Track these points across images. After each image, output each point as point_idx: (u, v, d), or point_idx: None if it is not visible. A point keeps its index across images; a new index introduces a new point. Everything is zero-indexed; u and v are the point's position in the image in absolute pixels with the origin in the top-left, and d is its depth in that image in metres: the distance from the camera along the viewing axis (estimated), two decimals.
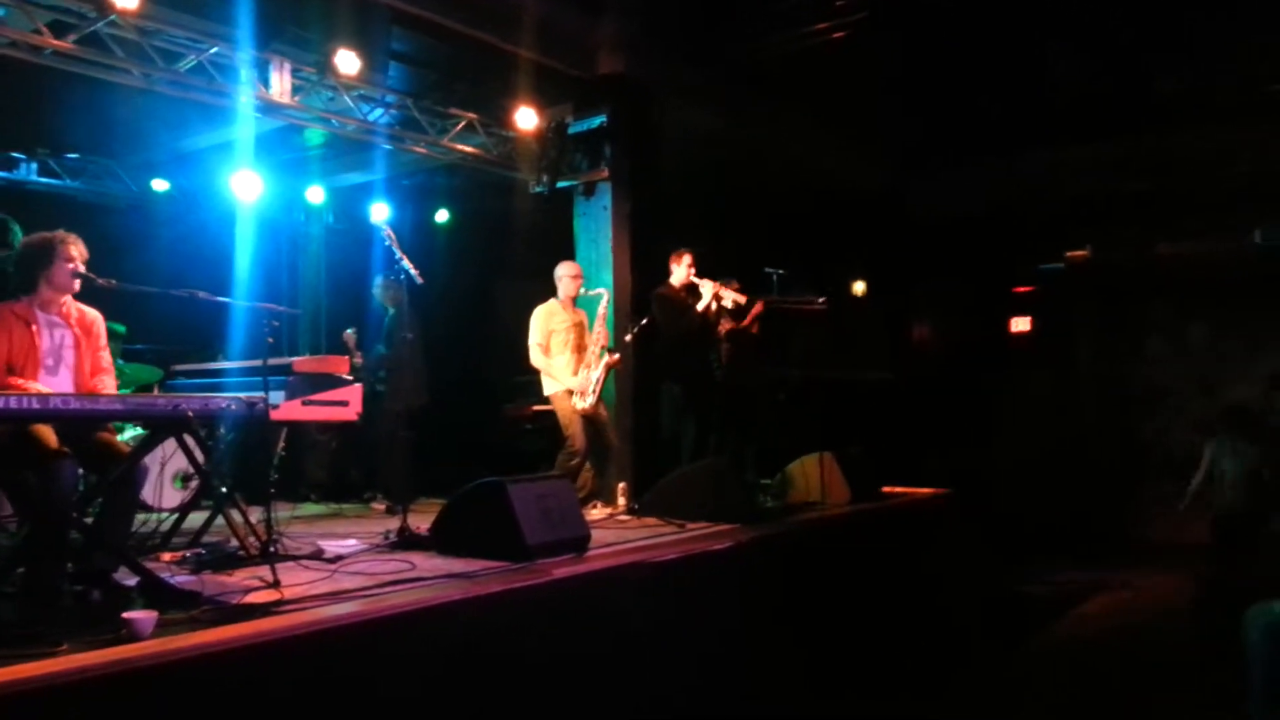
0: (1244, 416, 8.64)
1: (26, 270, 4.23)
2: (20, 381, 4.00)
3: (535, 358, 6.84)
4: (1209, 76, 8.95)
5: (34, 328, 4.16)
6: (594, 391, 6.75)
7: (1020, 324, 12.65)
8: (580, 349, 6.88)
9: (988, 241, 11.79)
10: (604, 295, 7.04)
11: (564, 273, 7.00)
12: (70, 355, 4.28)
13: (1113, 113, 9.63)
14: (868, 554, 6.62)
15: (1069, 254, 11.88)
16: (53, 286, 4.24)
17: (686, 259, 7.26)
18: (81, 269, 4.26)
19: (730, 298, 7.22)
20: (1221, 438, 8.42)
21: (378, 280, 7.55)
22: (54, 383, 4.16)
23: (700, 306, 7.15)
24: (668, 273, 7.33)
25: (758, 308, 7.64)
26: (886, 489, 7.74)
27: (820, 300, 7.84)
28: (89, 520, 4.13)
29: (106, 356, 4.49)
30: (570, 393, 6.71)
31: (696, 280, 7.19)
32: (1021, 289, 12.65)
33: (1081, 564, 9.67)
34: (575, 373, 6.76)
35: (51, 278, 4.22)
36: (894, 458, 8.23)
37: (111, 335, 4.68)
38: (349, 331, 7.73)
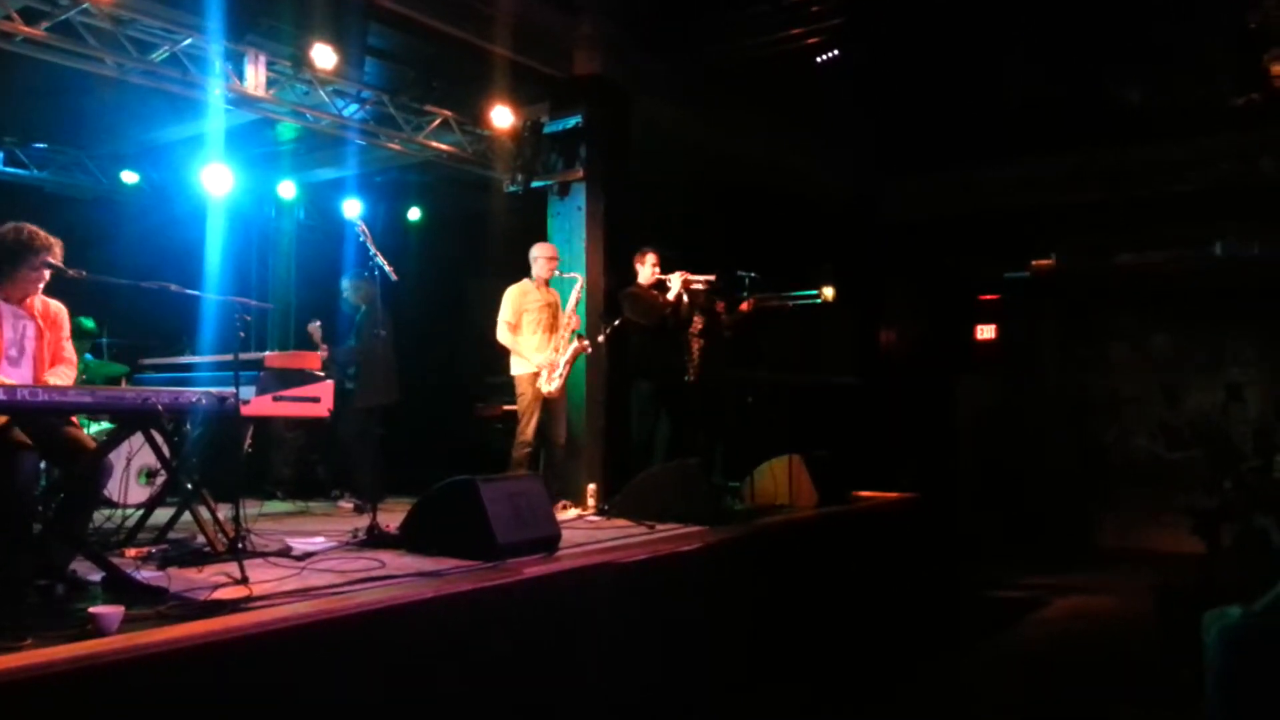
0: None
1: None
2: None
3: (503, 335, 6.83)
4: (1169, 89, 9.08)
5: None
6: (560, 375, 6.75)
7: (985, 331, 12.80)
8: (552, 330, 6.88)
9: (954, 249, 11.92)
10: (579, 279, 7.05)
11: (539, 253, 7.01)
12: (32, 346, 4.24)
13: (1075, 123, 9.74)
14: (834, 557, 6.68)
15: (1034, 262, 12.04)
16: (18, 286, 4.18)
17: (650, 258, 7.26)
18: (51, 269, 4.19)
19: (701, 278, 7.14)
20: None
21: (346, 279, 7.48)
22: (16, 373, 4.12)
23: (670, 296, 7.11)
24: (636, 274, 7.35)
25: (747, 305, 7.62)
26: (855, 493, 7.81)
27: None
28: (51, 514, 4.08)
29: (69, 347, 4.44)
30: (537, 375, 6.70)
31: (663, 276, 7.19)
32: (987, 296, 12.81)
33: (1043, 568, 9.80)
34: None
35: (18, 278, 4.15)
36: (861, 462, 8.30)
37: (81, 332, 4.61)
38: (314, 324, 7.55)
